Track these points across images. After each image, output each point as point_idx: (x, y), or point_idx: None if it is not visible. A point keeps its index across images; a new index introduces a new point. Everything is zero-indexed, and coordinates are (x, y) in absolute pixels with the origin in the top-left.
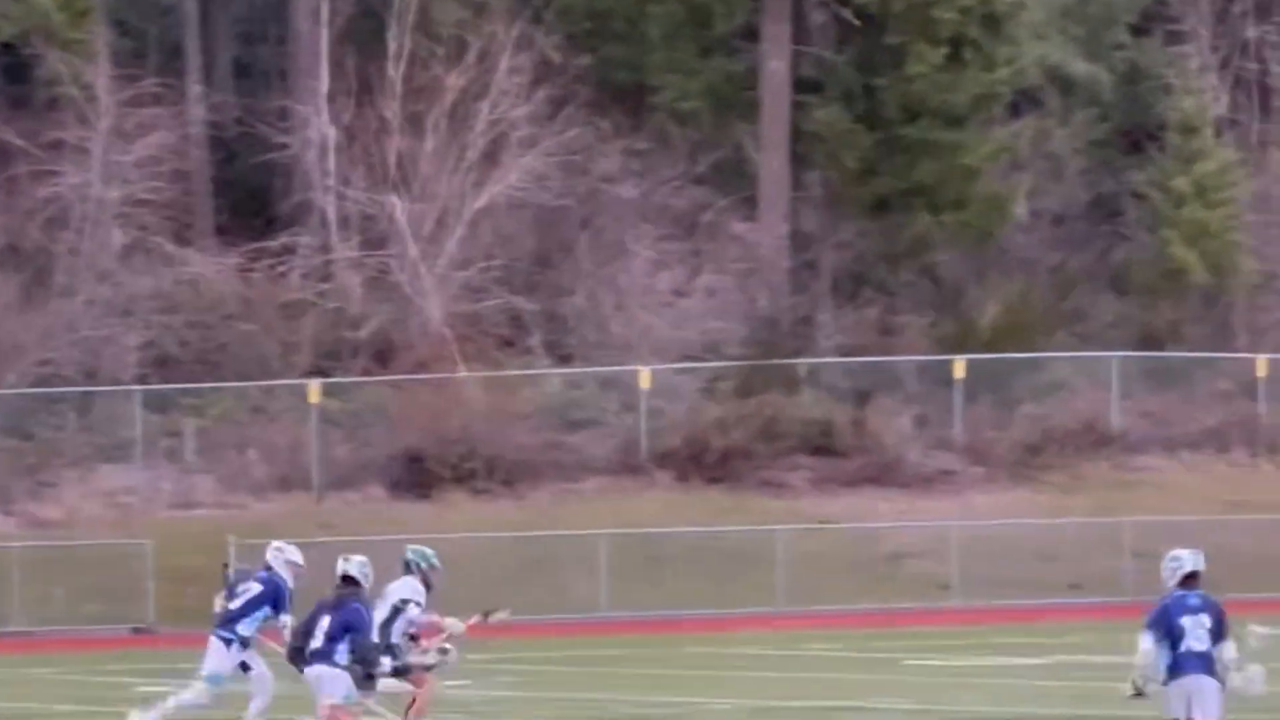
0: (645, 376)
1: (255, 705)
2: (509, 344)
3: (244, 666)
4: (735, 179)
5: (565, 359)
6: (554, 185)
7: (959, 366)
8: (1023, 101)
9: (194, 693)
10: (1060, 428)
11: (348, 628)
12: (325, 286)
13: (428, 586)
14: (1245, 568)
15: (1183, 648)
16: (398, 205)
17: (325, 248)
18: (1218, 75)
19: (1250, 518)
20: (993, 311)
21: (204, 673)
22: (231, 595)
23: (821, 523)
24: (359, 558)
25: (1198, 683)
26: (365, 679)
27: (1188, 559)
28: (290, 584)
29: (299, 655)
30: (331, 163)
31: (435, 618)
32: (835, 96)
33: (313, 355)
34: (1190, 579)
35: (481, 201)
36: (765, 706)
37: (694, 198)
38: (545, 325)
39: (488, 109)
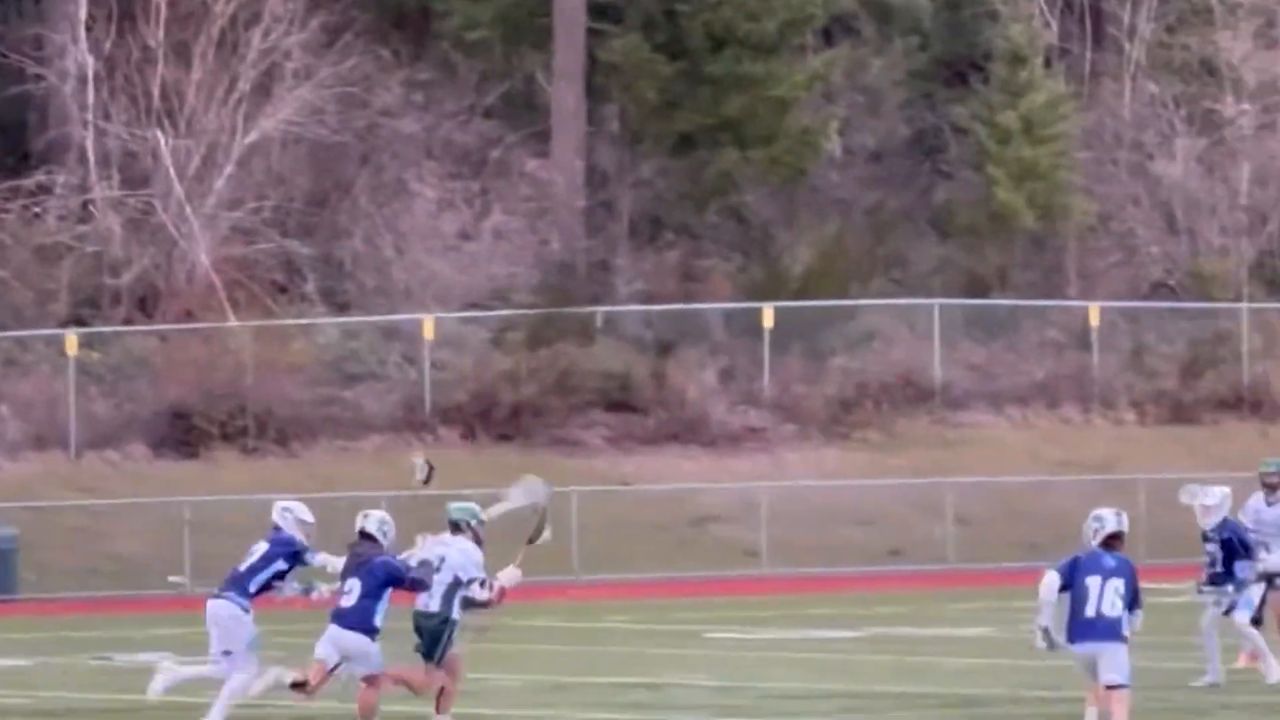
0: (429, 326)
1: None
2: (282, 291)
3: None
4: (526, 113)
5: (343, 307)
6: (331, 119)
7: (768, 315)
8: (836, 29)
9: (246, 672)
10: (877, 381)
11: (384, 584)
12: (83, 229)
13: (478, 544)
14: (1077, 532)
15: (1089, 610)
16: (162, 141)
17: (83, 187)
18: (1046, 1)
19: (1082, 478)
20: (804, 256)
21: (241, 646)
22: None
23: (621, 484)
24: (378, 513)
25: (1104, 648)
26: (429, 651)
27: (1110, 519)
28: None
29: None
30: (90, 95)
31: (498, 585)
32: (634, 24)
33: (70, 303)
34: (1113, 540)
35: (252, 137)
36: (558, 683)
37: (482, 133)
38: (321, 271)
39: (259, 37)
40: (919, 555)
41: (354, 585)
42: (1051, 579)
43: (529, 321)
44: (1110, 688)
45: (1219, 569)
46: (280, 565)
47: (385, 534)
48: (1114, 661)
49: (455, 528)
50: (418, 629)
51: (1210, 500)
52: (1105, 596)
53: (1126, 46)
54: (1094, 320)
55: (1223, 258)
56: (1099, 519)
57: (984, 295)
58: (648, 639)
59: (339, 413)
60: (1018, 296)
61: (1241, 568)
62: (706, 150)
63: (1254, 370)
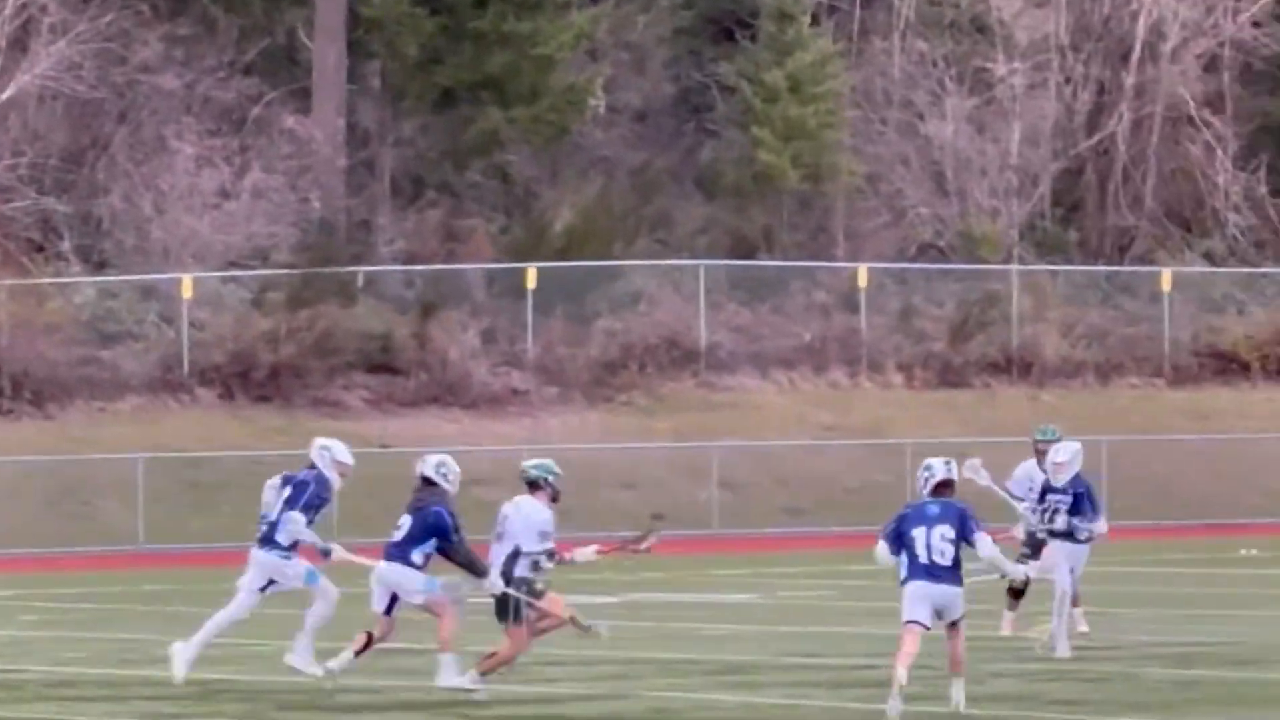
0: (187, 285)
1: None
2: (38, 249)
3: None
4: (287, 69)
5: (100, 266)
6: (89, 75)
7: (531, 276)
8: None
9: (321, 605)
10: (641, 343)
11: (430, 532)
12: None
13: (554, 500)
14: (843, 497)
15: (921, 559)
16: None
17: None
18: None
19: (849, 442)
20: (568, 216)
21: (301, 576)
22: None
23: (380, 446)
24: (436, 456)
25: (936, 590)
26: (502, 613)
27: (939, 467)
28: (336, 484)
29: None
30: None
31: (568, 558)
32: None
33: None
34: (942, 487)
35: (9, 93)
36: (318, 648)
37: (242, 89)
38: (78, 229)
39: None
40: (683, 520)
41: (406, 521)
42: (880, 549)
43: (289, 282)
44: (952, 624)
45: (1057, 525)
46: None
47: (445, 476)
48: (952, 606)
49: (532, 486)
50: (496, 603)
51: (1063, 456)
52: (933, 545)
53: (896, 3)
54: (862, 282)
55: (993, 219)
56: (928, 468)
57: (750, 256)
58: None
59: (96, 373)
60: (784, 257)
61: (1079, 527)
62: (469, 108)
63: (1024, 333)
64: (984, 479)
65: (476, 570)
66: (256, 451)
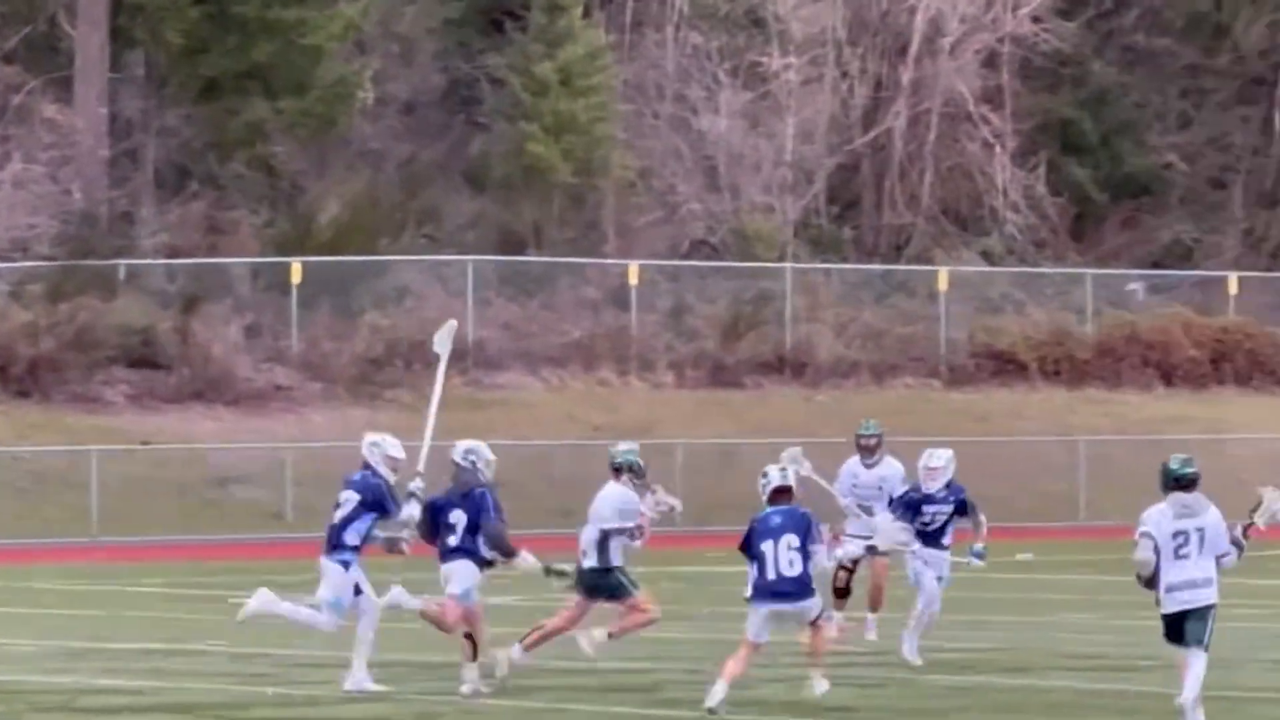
0: None
1: (364, 624)
2: None
3: (355, 589)
4: (48, 57)
5: None
6: None
7: (296, 270)
8: None
9: (317, 618)
10: (407, 339)
11: (476, 514)
12: None
13: (639, 479)
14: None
15: (769, 575)
16: None
17: None
18: None
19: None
20: (334, 209)
21: (326, 599)
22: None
23: (142, 443)
24: (464, 443)
25: (780, 609)
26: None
27: (774, 475)
28: (391, 480)
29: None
30: None
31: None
32: None
33: None
34: (779, 494)
35: None
36: (76, 649)
37: (2, 78)
38: None
39: None
40: None
41: (460, 519)
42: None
43: (49, 274)
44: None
45: (932, 532)
46: (372, 517)
47: (473, 463)
48: (801, 616)
49: (616, 472)
50: (595, 588)
51: (938, 462)
52: (780, 557)
53: None
54: (633, 279)
55: (767, 216)
56: (765, 475)
57: (519, 252)
58: (170, 603)
59: None
60: (554, 253)
61: (976, 545)
62: (234, 98)
63: (797, 332)
64: (805, 468)
65: (503, 549)
66: (15, 448)
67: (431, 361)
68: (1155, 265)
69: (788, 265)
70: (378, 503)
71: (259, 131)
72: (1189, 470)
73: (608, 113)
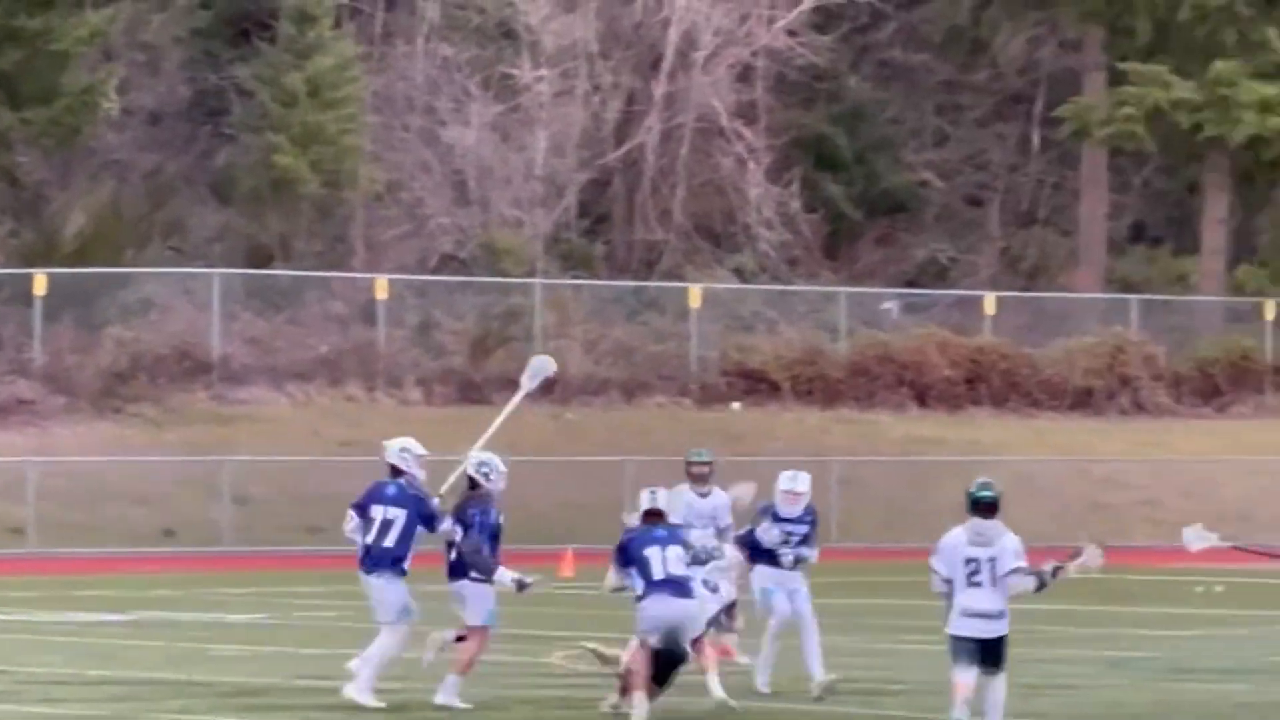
0: None
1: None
2: None
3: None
4: None
5: None
6: None
7: (40, 282)
8: None
9: (396, 637)
10: (152, 353)
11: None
12: None
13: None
14: None
15: (659, 574)
16: None
17: None
18: None
19: (366, 458)
20: (79, 220)
21: (391, 617)
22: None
23: None
24: (478, 455)
25: (677, 605)
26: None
27: (645, 497)
28: (422, 478)
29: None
30: None
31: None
32: None
33: None
34: (650, 516)
35: None
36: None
37: None
38: None
39: None
40: (193, 536)
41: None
42: (609, 577)
43: None
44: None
45: (791, 554)
46: (419, 531)
47: (487, 476)
48: (698, 623)
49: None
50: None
51: (802, 487)
52: (671, 562)
53: (420, 6)
54: (380, 293)
55: (516, 230)
56: (641, 498)
57: (266, 265)
58: None
59: None
60: (301, 267)
61: (805, 554)
62: None
63: (547, 349)
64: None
65: (480, 568)
66: None
67: (512, 390)
68: (910, 284)
69: (537, 281)
70: (427, 517)
71: (3, 141)
72: (986, 494)
73: (356, 124)
